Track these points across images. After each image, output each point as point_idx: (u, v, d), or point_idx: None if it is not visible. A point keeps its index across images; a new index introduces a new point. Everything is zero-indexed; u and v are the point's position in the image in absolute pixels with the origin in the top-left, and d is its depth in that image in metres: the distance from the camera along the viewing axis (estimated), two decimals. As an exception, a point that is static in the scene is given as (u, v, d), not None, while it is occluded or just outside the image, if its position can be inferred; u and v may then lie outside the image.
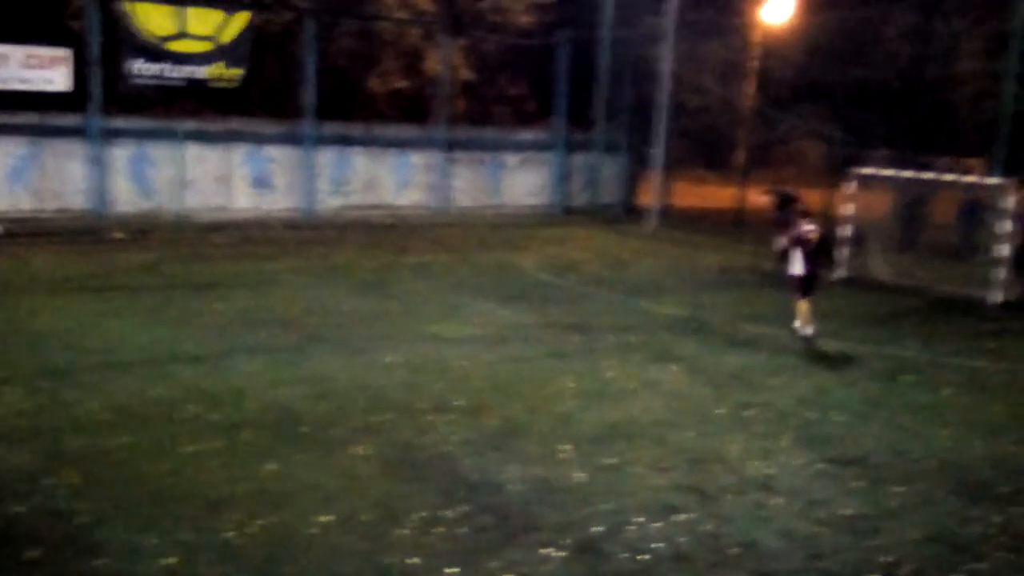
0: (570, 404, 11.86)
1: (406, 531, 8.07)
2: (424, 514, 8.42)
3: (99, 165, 28.25)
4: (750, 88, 38.60)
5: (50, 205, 27.62)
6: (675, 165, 35.02)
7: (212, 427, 10.52)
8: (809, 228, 15.88)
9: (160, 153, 29.19)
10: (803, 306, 15.75)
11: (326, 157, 31.83)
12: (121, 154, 28.90)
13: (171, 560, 7.39)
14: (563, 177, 35.48)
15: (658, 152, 31.59)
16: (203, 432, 10.32)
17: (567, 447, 10.31)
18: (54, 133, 28.06)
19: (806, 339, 15.64)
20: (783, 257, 15.64)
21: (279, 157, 31.27)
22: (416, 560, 7.56)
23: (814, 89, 35.32)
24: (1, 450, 9.64)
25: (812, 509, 8.98)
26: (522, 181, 35.51)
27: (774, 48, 36.41)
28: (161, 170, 29.19)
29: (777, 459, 10.27)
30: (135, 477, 9.05)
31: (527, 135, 36.16)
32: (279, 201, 31.21)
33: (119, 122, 28.66)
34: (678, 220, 32.13)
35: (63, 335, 14.57)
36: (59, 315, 15.92)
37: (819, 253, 16.10)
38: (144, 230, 26.28)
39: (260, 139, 30.94)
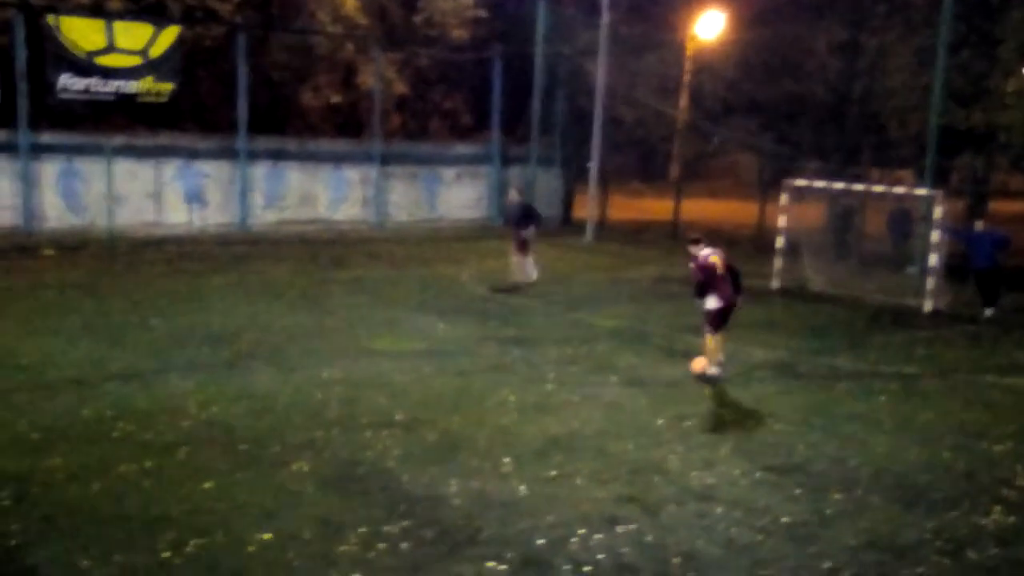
0: (510, 417, 11.83)
1: (348, 547, 7.98)
2: (366, 530, 8.32)
3: (27, 181, 27.73)
4: (684, 102, 39.01)
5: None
6: (611, 178, 35.24)
7: (146, 446, 10.32)
8: (707, 252, 14.08)
9: (90, 168, 28.72)
10: (712, 343, 14.07)
11: (260, 172, 31.56)
12: (50, 170, 28.40)
13: (105, 582, 7.22)
14: (499, 191, 35.48)
15: (594, 165, 31.74)
16: (137, 452, 10.12)
17: (508, 460, 10.27)
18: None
19: (716, 379, 13.91)
20: (700, 294, 14.02)
21: (212, 172, 30.93)
22: (366, 574, 7.46)
23: (746, 103, 35.76)
24: (-74, 473, 9.38)
25: (753, 517, 9.03)
26: (458, 195, 35.49)
27: (707, 63, 36.85)
28: (91, 186, 28.72)
29: (717, 469, 10.32)
30: (68, 498, 8.84)
31: (463, 149, 36.15)
32: (213, 216, 30.85)
33: (47, 137, 28.18)
34: (615, 233, 32.31)
35: (-8, 355, 14.24)
36: (-13, 334, 15.55)
37: (730, 278, 14.16)
38: (75, 247, 25.83)
39: (192, 154, 30.58)
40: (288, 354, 14.84)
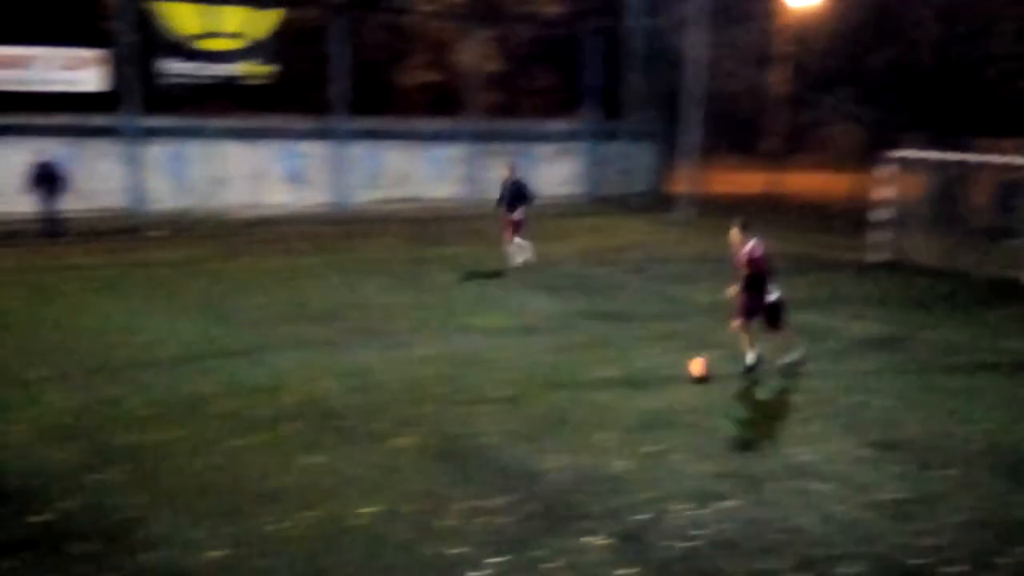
0: (608, 393, 11.87)
1: (450, 521, 8.12)
2: (467, 504, 8.46)
3: (135, 164, 28.48)
4: (782, 73, 38.38)
5: (88, 205, 27.84)
6: (707, 152, 34.90)
7: (253, 422, 10.60)
8: (754, 241, 12.94)
9: (195, 151, 29.42)
10: (745, 334, 13.02)
11: (358, 152, 31.95)
12: (157, 153, 29.14)
13: (218, 553, 7.46)
14: (594, 167, 35.41)
15: (689, 139, 31.47)
16: (244, 427, 10.41)
17: (607, 436, 10.32)
18: (91, 133, 28.33)
19: (753, 367, 12.93)
20: (755, 288, 12.67)
21: (312, 153, 31.42)
22: (461, 550, 7.60)
23: (846, 72, 35.08)
24: (48, 447, 9.77)
25: (855, 494, 8.95)
26: (553, 171, 35.49)
27: (805, 32, 36.19)
28: (196, 168, 29.40)
29: (818, 444, 10.24)
30: (180, 472, 9.15)
31: (557, 125, 36.12)
32: (313, 196, 31.38)
33: (154, 121, 28.88)
34: (711, 207, 31.99)
35: (106, 333, 14.75)
36: (101, 313, 16.10)
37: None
38: (181, 228, 26.48)
39: (293, 135, 31.10)
40: (388, 331, 15.07)
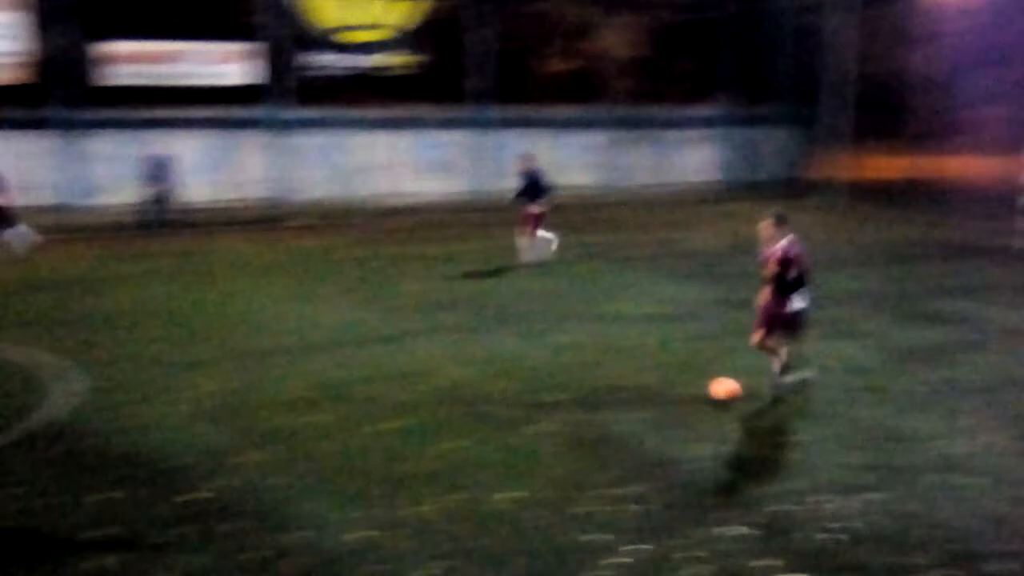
0: (751, 381, 11.69)
1: (590, 508, 8.13)
2: (607, 491, 8.46)
3: (279, 155, 29.26)
4: (931, 53, 37.12)
5: (235, 195, 28.75)
6: (851, 136, 34.02)
7: (397, 406, 10.80)
8: (791, 238, 11.28)
9: (338, 141, 30.06)
10: (771, 345, 11.44)
11: (498, 140, 32.16)
12: (300, 144, 29.87)
13: (362, 534, 7.63)
14: (733, 152, 34.90)
15: (833, 123, 30.74)
16: (389, 411, 10.62)
17: (751, 425, 10.19)
18: (237, 125, 29.22)
19: (784, 386, 11.35)
20: (785, 290, 11.06)
21: (453, 141, 31.77)
22: (598, 537, 7.60)
23: (998, 52, 33.73)
24: (201, 428, 10.15)
25: (1008, 488, 8.64)
26: (693, 158, 35.15)
27: (955, 10, 34.92)
28: (339, 158, 30.05)
29: (970, 436, 9.91)
30: (326, 454, 9.38)
31: (697, 111, 35.74)
32: (453, 185, 31.74)
33: (298, 113, 29.62)
34: (857, 193, 31.22)
35: (255, 318, 15.24)
36: (250, 299, 16.63)
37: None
38: (324, 217, 27.10)
39: (434, 124, 31.50)
40: (529, 318, 15.17)
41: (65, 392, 11.35)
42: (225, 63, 29.34)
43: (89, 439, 9.82)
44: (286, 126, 29.51)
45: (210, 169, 29.03)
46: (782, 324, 11.17)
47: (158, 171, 25.49)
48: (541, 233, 20.59)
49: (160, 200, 25.49)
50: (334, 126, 30.24)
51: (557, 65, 35.78)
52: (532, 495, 8.37)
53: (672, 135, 34.86)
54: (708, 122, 35.45)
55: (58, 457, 9.32)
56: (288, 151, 29.67)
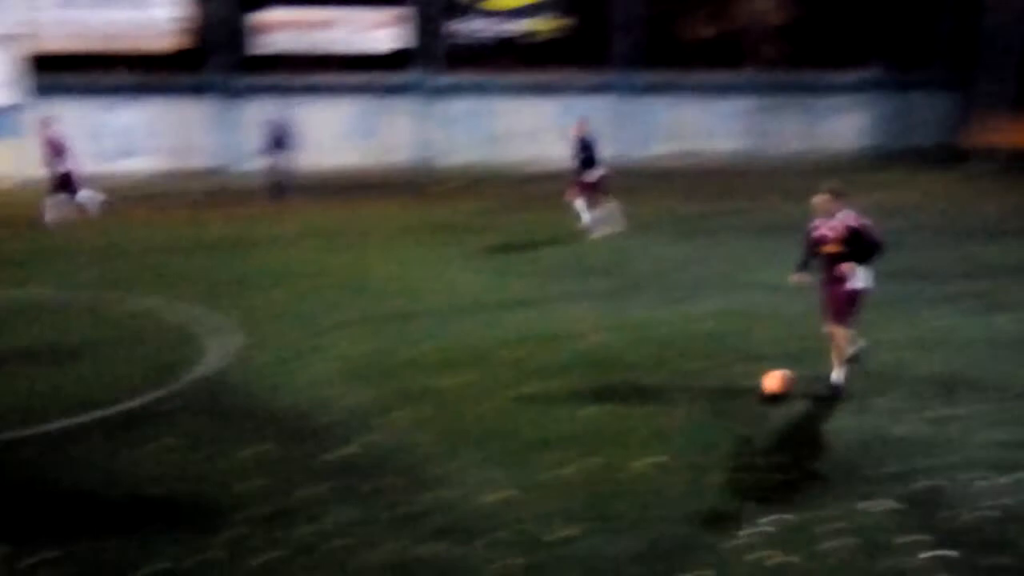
0: (898, 354, 11.43)
1: (726, 476, 8.10)
2: (744, 460, 8.41)
3: (426, 121, 29.66)
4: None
5: (382, 160, 29.28)
6: (1013, 102, 32.64)
7: (537, 370, 10.91)
8: (852, 214, 10.31)
9: (483, 107, 30.30)
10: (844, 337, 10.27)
11: (642, 106, 31.94)
12: (447, 109, 30.21)
13: (502, 495, 7.76)
14: (885, 119, 33.88)
15: (992, 88, 29.55)
16: (529, 375, 10.74)
17: (894, 398, 9.97)
18: (386, 91, 29.72)
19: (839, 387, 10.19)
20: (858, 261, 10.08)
21: (596, 107, 31.66)
22: (739, 505, 7.58)
23: None
24: (347, 386, 10.44)
25: None
26: (842, 124, 34.28)
27: None
28: (484, 124, 30.29)
29: None
30: (467, 415, 9.56)
31: (846, 76, 34.78)
32: (599, 150, 31.64)
33: (445, 79, 29.94)
34: (1017, 160, 29.98)
35: (401, 280, 15.59)
36: (396, 262, 16.99)
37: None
38: (468, 182, 27.39)
39: (580, 89, 31.45)
40: (670, 285, 15.10)
41: (219, 349, 11.81)
42: (375, 29, 29.82)
43: (241, 395, 10.22)
44: (434, 92, 29.88)
45: (359, 135, 29.61)
46: (845, 305, 10.12)
47: (279, 136, 25.74)
48: (581, 204, 19.79)
49: (280, 165, 25.66)
50: (480, 92, 30.48)
51: (705, 29, 35.26)
52: (671, 462, 8.37)
53: (821, 101, 34.04)
54: (859, 87, 34.48)
55: (212, 411, 9.73)
56: (435, 117, 30.05)
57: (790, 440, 8.86)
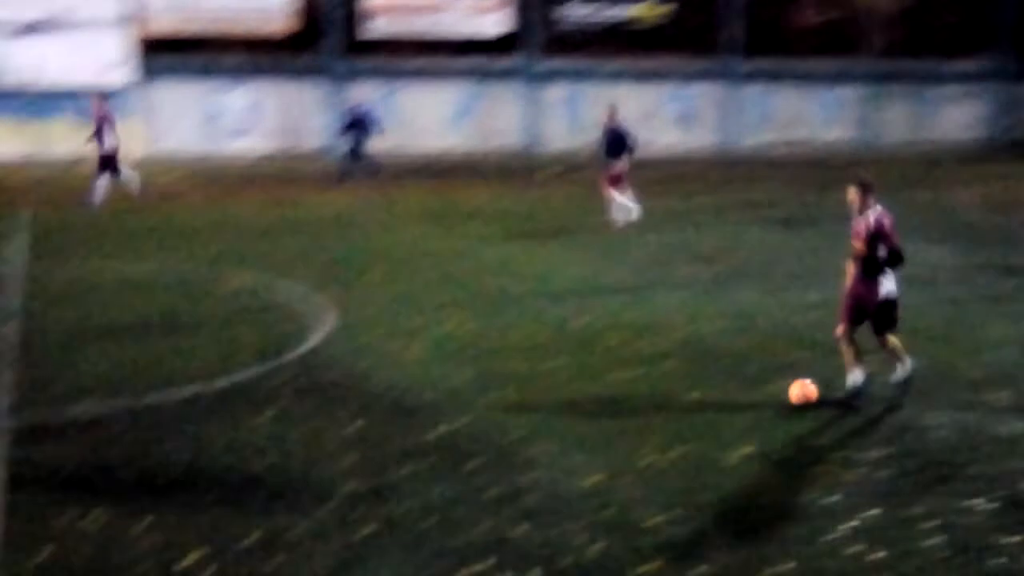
0: (1007, 351, 11.16)
1: (824, 469, 8.01)
2: (840, 454, 8.30)
3: (532, 105, 29.71)
4: None
5: (485, 144, 29.43)
6: None
7: (634, 357, 10.91)
8: (881, 212, 9.41)
9: (588, 92, 30.23)
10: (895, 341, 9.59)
11: (750, 93, 31.56)
12: (552, 94, 30.22)
13: (595, 479, 7.79)
14: (1003, 109, 32.92)
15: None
16: (626, 361, 10.74)
17: (1000, 396, 9.74)
18: (490, 76, 29.84)
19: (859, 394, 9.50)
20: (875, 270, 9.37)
21: (702, 94, 31.39)
22: (835, 498, 7.48)
23: None
24: (443, 367, 10.58)
25: None
26: (954, 114, 33.45)
27: None
28: (589, 109, 30.22)
29: None
30: (565, 399, 9.61)
31: (962, 65, 33.89)
32: (702, 138, 31.40)
33: (551, 64, 29.94)
34: None
35: (503, 264, 15.73)
36: (494, 246, 17.12)
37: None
38: (574, 167, 27.39)
39: (683, 76, 31.20)
40: (772, 274, 14.96)
41: (321, 327, 12.05)
42: (481, 15, 29.95)
43: (341, 373, 10.42)
44: (537, 77, 29.92)
45: (463, 119, 29.81)
46: (869, 313, 9.40)
47: (358, 121, 25.89)
48: (617, 194, 19.41)
49: (358, 150, 25.83)
50: (584, 78, 30.43)
51: (812, 17, 34.63)
52: (767, 453, 8.31)
53: (933, 90, 33.23)
54: (973, 77, 33.56)
55: (313, 388, 9.94)
56: (538, 102, 30.08)
57: (889, 435, 8.72)
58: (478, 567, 6.42)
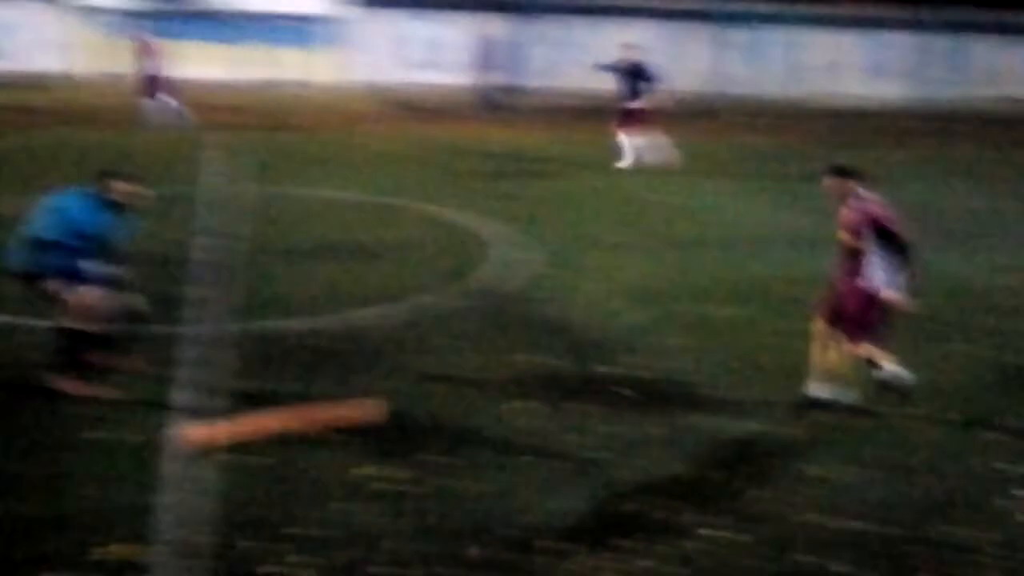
0: None
1: (1003, 437, 7.86)
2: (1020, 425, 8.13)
3: (722, 48, 29.27)
4: None
5: (675, 86, 28.99)
6: None
7: (806, 307, 10.78)
8: (871, 199, 8.17)
9: (775, 38, 29.58)
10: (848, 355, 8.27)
11: (944, 44, 30.27)
12: (744, 38, 29.68)
13: (762, 426, 7.88)
14: None
15: None
16: (797, 312, 10.55)
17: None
18: (683, 16, 29.45)
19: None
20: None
21: (895, 44, 30.28)
22: (1013, 467, 7.35)
23: None
24: (623, 307, 10.76)
25: None
26: None
27: None
28: (776, 55, 29.64)
29: None
30: (739, 347, 9.63)
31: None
32: (894, 90, 30.34)
33: (742, 5, 29.36)
34: None
35: (688, 209, 15.85)
36: (684, 191, 17.16)
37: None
38: (759, 114, 26.93)
39: (882, 24, 30.15)
40: (970, 236, 14.60)
41: (504, 260, 12.38)
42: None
43: (522, 304, 10.74)
44: (730, 19, 29.38)
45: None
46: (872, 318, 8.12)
47: (490, 54, 25.64)
48: (636, 136, 18.74)
49: (495, 84, 25.70)
50: (779, 21, 29.72)
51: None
52: (942, 415, 8.20)
53: None
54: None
55: (493, 317, 10.28)
56: (731, 45, 29.57)
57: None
58: (644, 503, 6.61)
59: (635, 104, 18.75)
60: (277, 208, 14.78)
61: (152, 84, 22.27)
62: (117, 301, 7.98)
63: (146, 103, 22.19)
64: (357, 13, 29.05)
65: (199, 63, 26.64)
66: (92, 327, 7.83)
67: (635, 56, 19.06)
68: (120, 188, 7.98)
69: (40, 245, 7.79)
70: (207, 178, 16.55)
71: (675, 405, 8.23)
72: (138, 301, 8.22)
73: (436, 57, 29.75)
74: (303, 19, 28.94)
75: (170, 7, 28.63)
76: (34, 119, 22.45)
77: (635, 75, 18.72)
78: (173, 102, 22.15)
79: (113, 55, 26.49)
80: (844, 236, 8.20)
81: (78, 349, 7.88)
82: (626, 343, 9.62)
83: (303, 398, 7.86)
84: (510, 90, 26.73)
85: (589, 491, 6.71)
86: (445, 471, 6.88)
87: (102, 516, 6.15)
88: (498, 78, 26.78)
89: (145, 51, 22.51)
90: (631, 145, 18.93)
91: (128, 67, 23.37)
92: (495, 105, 26.27)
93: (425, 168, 18.65)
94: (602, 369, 8.92)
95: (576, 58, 27.66)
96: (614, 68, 19.18)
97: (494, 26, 27.93)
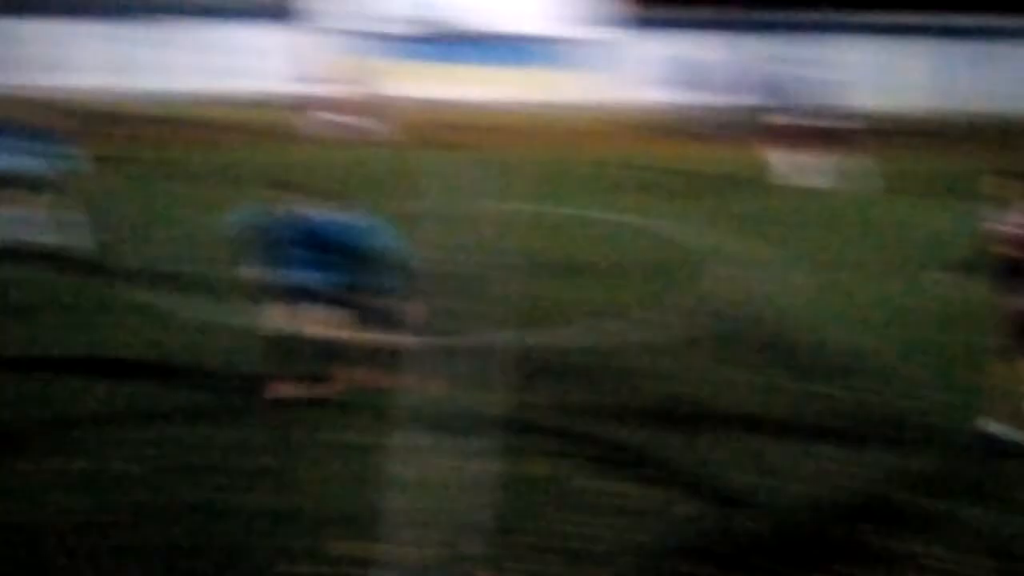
0: None
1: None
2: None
3: (944, 64, 28.02)
4: None
5: (895, 104, 27.58)
6: None
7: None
8: None
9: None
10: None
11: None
12: (966, 52, 28.31)
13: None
14: None
15: None
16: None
17: None
18: (901, 32, 28.26)
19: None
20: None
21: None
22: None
23: None
24: (860, 333, 10.55)
25: None
26: None
27: None
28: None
29: None
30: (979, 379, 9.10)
31: None
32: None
33: (962, 20, 27.98)
34: None
35: (932, 232, 15.04)
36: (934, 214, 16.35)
37: None
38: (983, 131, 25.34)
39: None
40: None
41: (758, 284, 12.28)
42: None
43: (755, 324, 10.76)
44: (946, 34, 28.06)
45: (871, 77, 28.34)
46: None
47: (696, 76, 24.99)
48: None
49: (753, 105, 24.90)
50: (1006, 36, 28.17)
51: None
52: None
53: None
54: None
55: (723, 336, 10.34)
56: (950, 59, 28.20)
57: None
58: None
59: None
60: (519, 224, 15.08)
61: (348, 105, 23.06)
62: (397, 308, 8.24)
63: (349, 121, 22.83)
64: (604, 34, 28.88)
65: (446, 84, 27.45)
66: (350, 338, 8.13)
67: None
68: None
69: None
70: (449, 195, 17.06)
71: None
72: (418, 311, 8.41)
73: (684, 77, 29.03)
74: (552, 41, 29.21)
75: (415, 30, 29.29)
76: (272, 137, 23.11)
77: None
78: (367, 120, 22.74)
79: (358, 77, 27.23)
80: (1005, 248, 7.63)
81: (319, 358, 8.17)
82: (854, 367, 9.49)
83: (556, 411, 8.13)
84: (771, 110, 26.02)
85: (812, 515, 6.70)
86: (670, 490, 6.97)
87: (336, 514, 6.41)
88: (755, 99, 26.19)
89: (353, 72, 23.41)
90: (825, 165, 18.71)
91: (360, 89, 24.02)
92: (754, 127, 25.66)
93: (656, 189, 18.36)
94: (824, 388, 8.87)
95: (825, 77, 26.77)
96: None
97: (757, 47, 27.51)
